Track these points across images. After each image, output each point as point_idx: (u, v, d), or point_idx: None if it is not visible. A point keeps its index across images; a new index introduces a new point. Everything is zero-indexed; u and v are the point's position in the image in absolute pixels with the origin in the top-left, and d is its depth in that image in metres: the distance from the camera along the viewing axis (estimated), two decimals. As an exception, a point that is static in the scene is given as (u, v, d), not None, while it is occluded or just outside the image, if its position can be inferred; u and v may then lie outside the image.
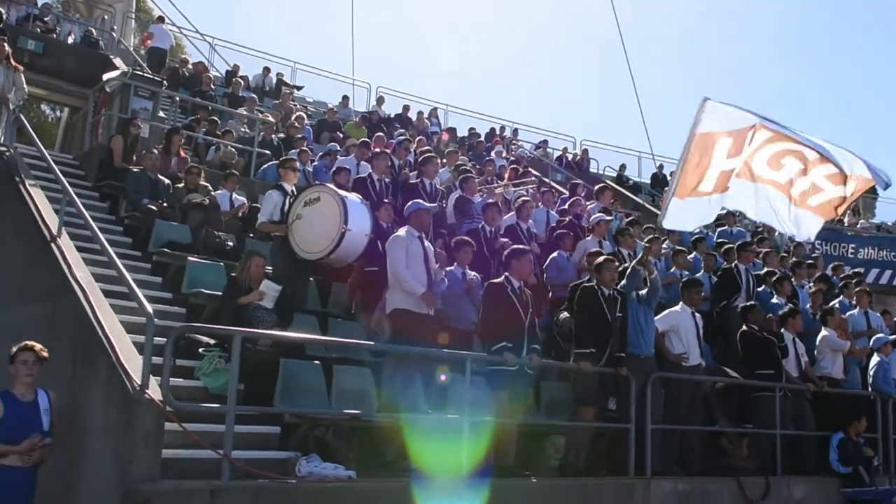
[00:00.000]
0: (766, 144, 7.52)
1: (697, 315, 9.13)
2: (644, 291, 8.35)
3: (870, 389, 10.51)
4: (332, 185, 9.01)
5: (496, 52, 77.86)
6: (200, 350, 7.22)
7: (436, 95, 51.58)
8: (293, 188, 9.17)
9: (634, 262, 8.53)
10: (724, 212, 15.59)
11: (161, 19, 21.28)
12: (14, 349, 5.59)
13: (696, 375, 8.84)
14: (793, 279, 11.74)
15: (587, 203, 12.52)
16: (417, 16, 73.94)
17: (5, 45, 10.53)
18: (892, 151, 64.43)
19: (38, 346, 5.63)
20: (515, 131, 24.99)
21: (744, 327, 9.63)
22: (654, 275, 8.48)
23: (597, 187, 12.41)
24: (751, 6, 77.34)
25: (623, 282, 8.26)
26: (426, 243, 7.88)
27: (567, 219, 11.55)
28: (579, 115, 73.89)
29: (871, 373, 10.59)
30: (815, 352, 10.38)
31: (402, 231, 7.85)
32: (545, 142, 24.81)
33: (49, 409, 5.62)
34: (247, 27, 65.54)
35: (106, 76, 12.62)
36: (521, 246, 8.25)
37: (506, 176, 15.99)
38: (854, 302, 11.95)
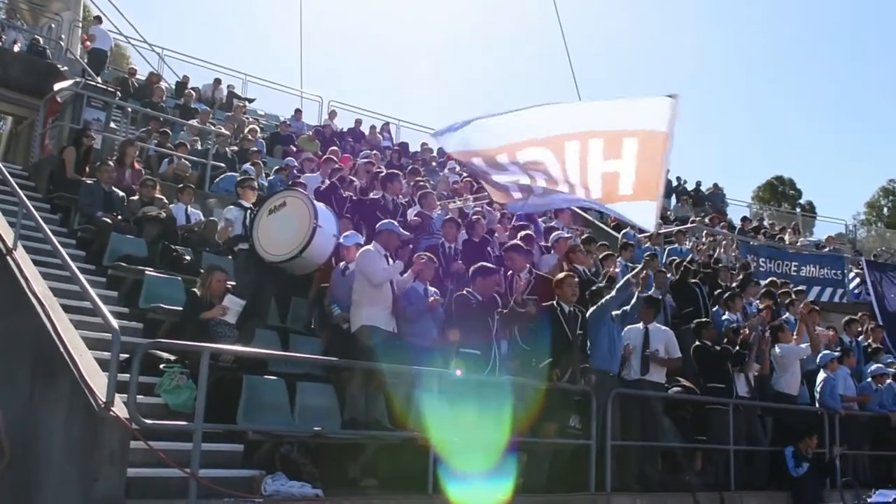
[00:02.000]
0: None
1: (654, 329, 9.28)
2: (619, 312, 8.47)
3: (817, 405, 10.77)
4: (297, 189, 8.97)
5: (450, 69, 78.42)
6: (161, 366, 7.09)
7: (387, 110, 51.71)
8: (251, 205, 9.09)
9: (630, 274, 8.61)
10: (676, 229, 16.16)
11: (99, 19, 20.53)
12: None
13: (650, 391, 8.95)
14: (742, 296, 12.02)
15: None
16: (373, 30, 74.12)
17: None
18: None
19: None
20: (468, 147, 25.01)
21: (697, 343, 9.82)
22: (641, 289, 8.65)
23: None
24: (700, 26, 79.33)
25: (608, 296, 8.38)
26: (391, 261, 7.90)
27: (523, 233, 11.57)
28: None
29: (818, 389, 10.87)
30: (774, 367, 10.57)
31: (371, 245, 7.89)
32: (497, 158, 24.88)
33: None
34: (197, 39, 65.01)
35: (58, 85, 12.31)
36: (488, 265, 8.29)
37: (459, 189, 16.05)
38: (798, 318, 12.23)
